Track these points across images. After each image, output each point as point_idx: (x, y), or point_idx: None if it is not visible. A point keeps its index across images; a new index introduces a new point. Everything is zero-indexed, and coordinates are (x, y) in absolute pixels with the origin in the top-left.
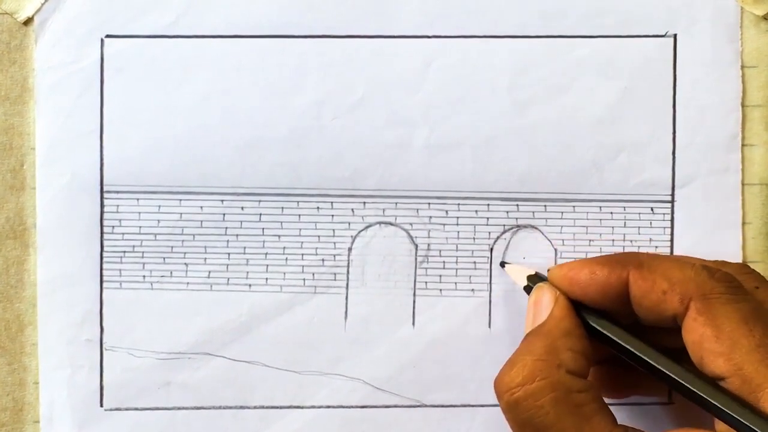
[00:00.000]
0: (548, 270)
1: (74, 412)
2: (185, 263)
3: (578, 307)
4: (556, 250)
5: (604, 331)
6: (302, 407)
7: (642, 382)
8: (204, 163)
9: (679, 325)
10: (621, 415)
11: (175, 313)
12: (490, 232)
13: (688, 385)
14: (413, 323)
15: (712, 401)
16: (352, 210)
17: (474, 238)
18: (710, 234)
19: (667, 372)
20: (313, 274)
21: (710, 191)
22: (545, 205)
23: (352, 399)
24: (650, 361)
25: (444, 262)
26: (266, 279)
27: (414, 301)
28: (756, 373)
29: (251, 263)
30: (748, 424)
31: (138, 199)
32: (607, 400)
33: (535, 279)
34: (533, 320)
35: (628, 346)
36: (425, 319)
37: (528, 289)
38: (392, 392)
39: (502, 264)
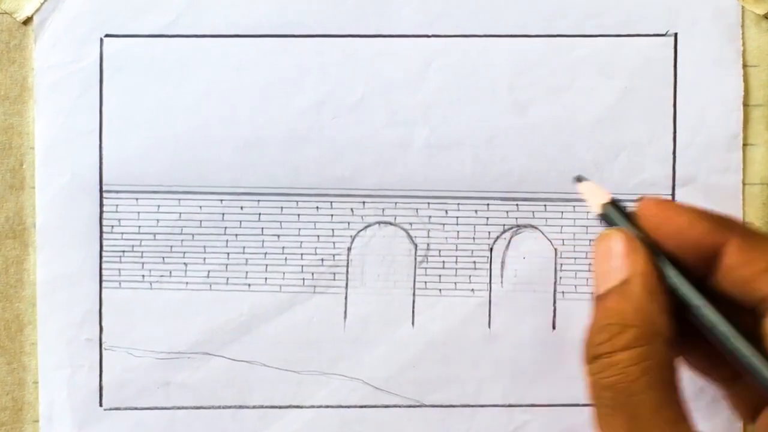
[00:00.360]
0: (640, 199)
1: (74, 412)
2: (184, 263)
3: (659, 258)
4: (556, 250)
5: (685, 294)
6: (302, 407)
7: (719, 364)
8: (203, 163)
9: (759, 312)
10: None
11: (175, 313)
12: (489, 232)
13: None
14: (413, 323)
15: None
16: (352, 210)
17: (474, 238)
18: None
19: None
20: (313, 274)
21: (711, 191)
22: (545, 205)
23: (352, 399)
24: (726, 335)
25: (444, 261)
26: (265, 279)
27: (413, 301)
28: None
29: (250, 263)
30: None
31: (137, 199)
32: None
33: (612, 210)
34: (611, 273)
35: (708, 313)
36: (425, 319)
37: (603, 219)
38: (392, 392)
39: (579, 178)
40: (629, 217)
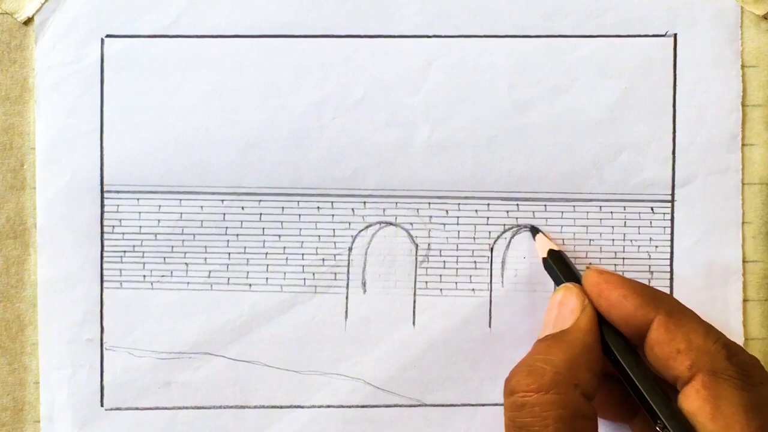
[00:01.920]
0: (587, 268)
1: (75, 412)
2: (185, 263)
3: (602, 322)
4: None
5: (620, 359)
6: (302, 407)
7: (629, 410)
8: (204, 163)
9: (675, 386)
10: None
11: (176, 313)
12: (490, 232)
13: None
14: (413, 323)
15: None
16: (353, 210)
17: (474, 238)
18: (710, 234)
19: (667, 421)
20: (314, 274)
21: (710, 191)
22: (545, 205)
23: (353, 399)
24: (655, 408)
25: (444, 261)
26: (266, 279)
27: (414, 301)
28: None
29: (251, 263)
30: None
31: (138, 199)
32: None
33: (557, 259)
34: (554, 321)
35: (636, 381)
36: (425, 318)
37: (545, 264)
38: (393, 392)
39: (534, 230)
40: (569, 269)
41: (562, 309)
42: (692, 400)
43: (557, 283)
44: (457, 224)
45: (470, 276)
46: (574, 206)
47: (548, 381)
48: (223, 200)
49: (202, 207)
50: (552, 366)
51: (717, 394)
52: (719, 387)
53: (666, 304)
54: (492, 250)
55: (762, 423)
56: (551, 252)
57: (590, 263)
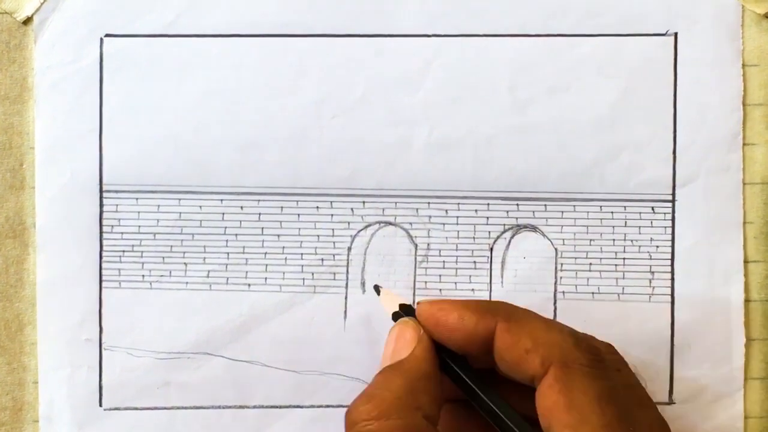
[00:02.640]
0: (417, 303)
1: (73, 412)
2: (184, 263)
3: (439, 349)
4: (556, 249)
5: (463, 379)
6: (301, 407)
7: None
8: (203, 163)
9: (535, 387)
10: None
11: (175, 313)
12: (490, 232)
13: None
14: None
15: None
16: (352, 209)
17: (474, 238)
18: (711, 233)
19: (516, 430)
20: (313, 274)
21: (711, 190)
22: (545, 205)
23: (352, 398)
24: (501, 415)
25: (444, 261)
26: (265, 279)
27: (414, 301)
28: None
29: (250, 263)
30: None
31: (137, 199)
32: None
33: (407, 309)
34: (392, 354)
35: (481, 395)
36: None
37: (396, 317)
38: None
39: (377, 288)
40: (409, 307)
41: (398, 342)
42: (547, 395)
43: (395, 319)
44: (457, 224)
45: (470, 276)
46: (574, 206)
47: (388, 406)
48: (222, 200)
49: (201, 207)
50: (391, 392)
51: (570, 386)
52: (572, 377)
53: (503, 310)
54: (492, 250)
55: (617, 411)
56: (402, 307)
57: (590, 264)
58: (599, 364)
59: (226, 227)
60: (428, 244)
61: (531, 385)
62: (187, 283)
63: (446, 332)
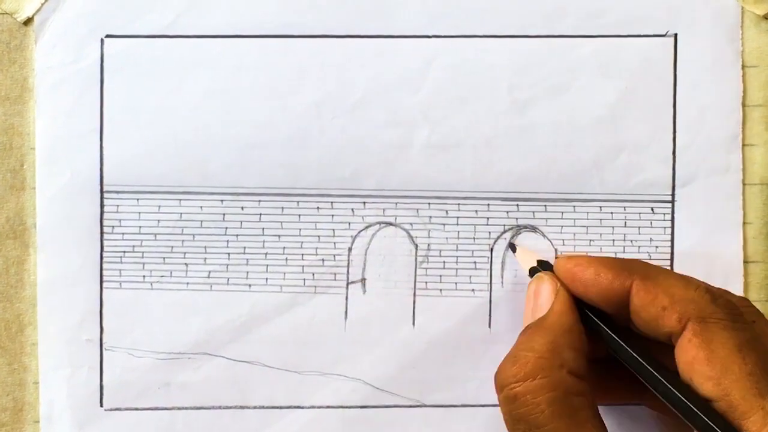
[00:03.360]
0: (555, 258)
1: (74, 412)
2: (185, 263)
3: (579, 302)
4: (556, 250)
5: (605, 331)
6: (302, 407)
7: (635, 388)
8: (204, 163)
9: (672, 343)
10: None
11: (175, 313)
12: (490, 232)
13: (683, 398)
14: (413, 323)
15: (704, 418)
16: (352, 210)
17: (474, 238)
18: (711, 234)
19: (665, 381)
20: (313, 274)
21: (711, 191)
22: (545, 205)
23: (353, 399)
24: (648, 367)
25: (444, 262)
26: (266, 279)
27: (414, 301)
28: (743, 400)
29: (251, 263)
30: None
31: (138, 199)
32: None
33: (544, 266)
34: (532, 312)
35: (627, 348)
36: (425, 319)
37: (533, 273)
38: (392, 392)
39: (512, 246)
40: (545, 263)
41: (537, 299)
42: (686, 350)
43: (532, 275)
44: (457, 224)
45: (470, 276)
46: (574, 206)
47: (532, 367)
48: (222, 200)
49: (201, 207)
50: (534, 352)
51: (709, 339)
52: (710, 331)
53: (639, 268)
54: (492, 250)
55: (757, 358)
56: (539, 263)
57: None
58: (736, 317)
59: (226, 228)
60: (428, 245)
61: (667, 343)
62: (187, 283)
63: (582, 288)
